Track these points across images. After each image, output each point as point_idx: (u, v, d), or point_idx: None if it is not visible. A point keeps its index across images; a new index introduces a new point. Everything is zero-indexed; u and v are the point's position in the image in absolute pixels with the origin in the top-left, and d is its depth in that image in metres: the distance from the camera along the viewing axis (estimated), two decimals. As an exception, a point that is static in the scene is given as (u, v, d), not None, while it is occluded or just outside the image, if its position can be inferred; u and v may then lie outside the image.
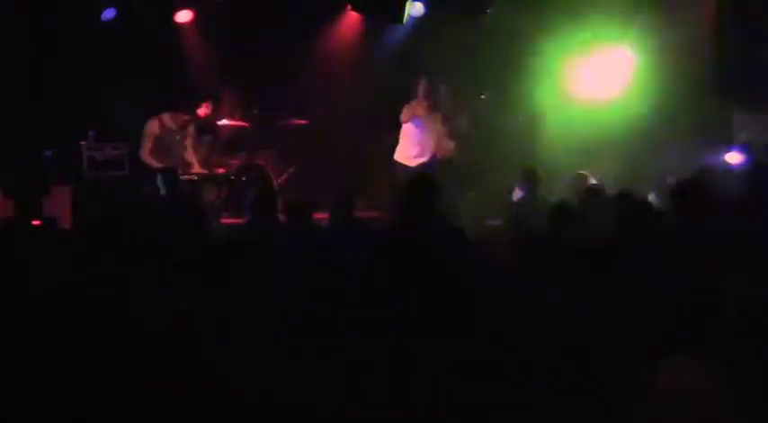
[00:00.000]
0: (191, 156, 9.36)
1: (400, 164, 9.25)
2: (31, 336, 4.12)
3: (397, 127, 9.51)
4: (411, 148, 9.18)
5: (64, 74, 9.43)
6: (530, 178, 7.45)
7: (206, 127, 9.72)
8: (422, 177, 5.78)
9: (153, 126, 9.11)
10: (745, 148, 8.76)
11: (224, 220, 9.09)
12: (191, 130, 9.38)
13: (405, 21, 9.64)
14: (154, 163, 8.98)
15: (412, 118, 9.08)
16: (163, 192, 7.90)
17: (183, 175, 9.00)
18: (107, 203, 8.23)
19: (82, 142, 9.24)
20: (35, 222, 6.87)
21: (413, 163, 9.14)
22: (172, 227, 5.98)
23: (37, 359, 3.97)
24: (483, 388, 3.79)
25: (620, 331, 3.94)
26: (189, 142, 9.36)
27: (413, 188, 5.38)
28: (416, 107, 9.10)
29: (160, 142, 9.09)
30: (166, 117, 9.16)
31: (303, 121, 10.45)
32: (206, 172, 9.45)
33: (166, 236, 5.63)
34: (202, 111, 9.42)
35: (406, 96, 9.31)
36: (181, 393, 3.80)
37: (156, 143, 9.08)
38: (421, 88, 9.16)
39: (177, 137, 9.20)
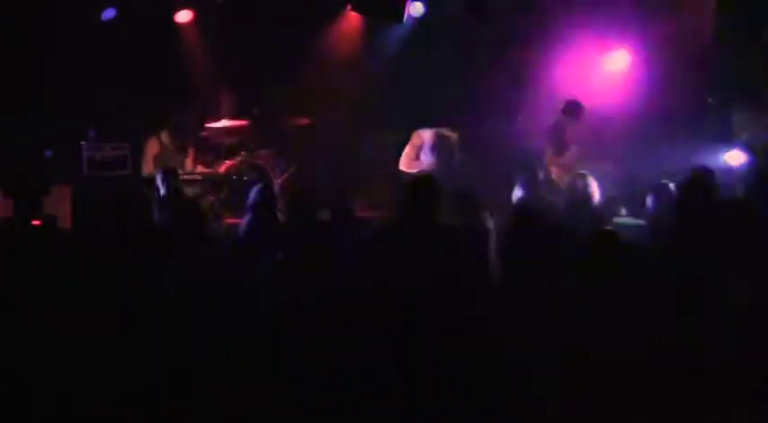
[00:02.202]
0: (191, 167, 9.41)
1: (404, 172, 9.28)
2: (31, 335, 4.12)
3: (397, 126, 9.52)
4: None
5: (64, 74, 9.44)
6: (529, 179, 7.44)
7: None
8: (422, 178, 5.80)
9: (152, 145, 9.15)
10: (744, 148, 8.76)
11: (225, 221, 9.08)
12: (191, 152, 9.42)
13: (405, 21, 9.64)
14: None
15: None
16: (162, 192, 7.89)
17: (183, 175, 9.00)
18: (107, 203, 8.22)
19: (82, 142, 9.24)
20: (35, 222, 6.87)
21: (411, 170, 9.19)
22: (171, 227, 5.99)
23: (37, 358, 3.98)
24: (482, 386, 3.80)
25: (618, 330, 3.95)
26: (190, 159, 9.40)
27: (412, 188, 5.41)
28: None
29: (159, 160, 9.11)
30: (165, 136, 9.19)
31: (303, 122, 10.45)
32: (206, 171, 9.45)
33: (166, 235, 5.64)
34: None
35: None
36: (181, 391, 3.80)
37: (155, 162, 9.11)
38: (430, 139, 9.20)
39: (177, 156, 9.25)
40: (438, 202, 5.40)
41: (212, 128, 9.81)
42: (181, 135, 9.31)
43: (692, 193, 5.88)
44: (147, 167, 9.13)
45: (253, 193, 6.52)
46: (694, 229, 5.35)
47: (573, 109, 9.10)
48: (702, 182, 6.26)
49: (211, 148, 9.91)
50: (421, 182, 5.55)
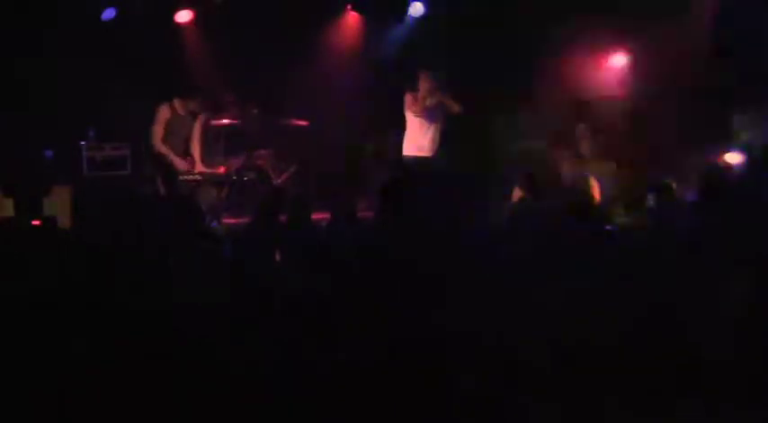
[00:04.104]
0: (195, 149, 9.35)
1: (409, 156, 9.24)
2: (31, 336, 4.12)
3: (397, 126, 9.50)
4: (419, 138, 9.18)
5: (64, 74, 9.44)
6: (529, 179, 7.45)
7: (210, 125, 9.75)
8: (397, 178, 5.85)
9: (164, 111, 9.11)
10: (744, 148, 8.76)
11: (225, 221, 9.09)
12: (200, 119, 9.37)
13: (405, 21, 9.66)
14: (164, 150, 8.96)
15: (420, 112, 9.08)
16: (162, 192, 7.89)
17: (183, 175, 9.00)
18: (107, 203, 8.23)
19: (82, 142, 9.24)
20: (35, 222, 6.88)
21: (422, 153, 9.15)
22: (171, 226, 5.98)
23: (36, 359, 3.98)
24: (476, 384, 3.81)
25: (619, 328, 3.96)
26: (197, 131, 9.34)
27: (388, 188, 5.46)
28: (421, 100, 9.10)
29: (171, 128, 9.09)
30: (177, 103, 9.16)
31: (303, 122, 10.45)
32: (206, 171, 9.44)
33: (165, 235, 5.64)
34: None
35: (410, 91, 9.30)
36: (181, 391, 3.80)
37: (167, 129, 9.07)
38: (424, 83, 9.14)
39: (187, 123, 9.21)
40: (411, 201, 5.45)
41: (213, 126, 9.81)
42: (193, 97, 9.25)
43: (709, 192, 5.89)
44: (158, 133, 9.03)
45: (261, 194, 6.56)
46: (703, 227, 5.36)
47: (583, 110, 9.13)
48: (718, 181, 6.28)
49: (212, 148, 9.91)
50: (396, 183, 5.61)
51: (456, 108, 9.04)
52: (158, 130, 9.05)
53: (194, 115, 9.27)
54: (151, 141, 9.04)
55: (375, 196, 5.64)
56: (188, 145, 9.21)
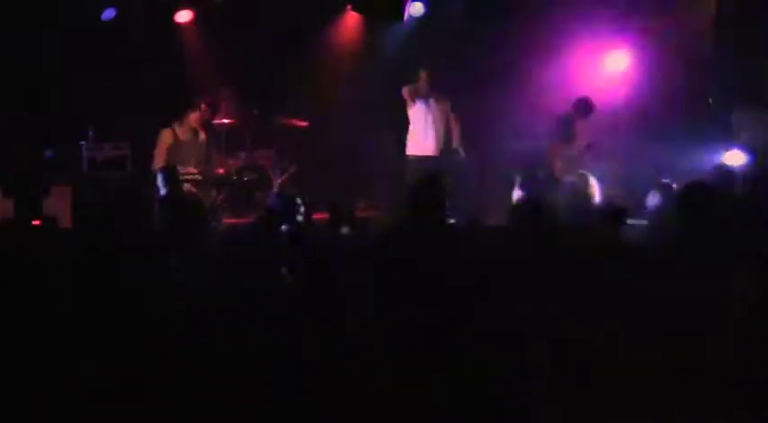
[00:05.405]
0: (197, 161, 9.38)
1: (412, 157, 9.23)
2: (31, 336, 4.12)
3: (397, 126, 9.51)
4: (423, 139, 9.18)
5: (64, 74, 9.45)
6: (529, 179, 7.45)
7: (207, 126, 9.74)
8: (429, 177, 5.81)
9: (166, 137, 9.10)
10: (745, 148, 8.76)
11: (226, 221, 9.10)
12: (201, 136, 9.38)
13: (405, 21, 9.65)
14: None
15: (418, 101, 9.07)
16: (163, 191, 7.89)
17: (183, 174, 9.00)
18: (107, 203, 8.24)
19: (82, 142, 9.24)
20: (35, 222, 6.88)
21: (426, 153, 9.15)
22: (171, 226, 5.98)
23: (36, 359, 3.98)
24: (483, 385, 3.80)
25: (620, 331, 3.96)
26: (201, 145, 9.37)
27: (419, 187, 5.42)
28: (420, 91, 9.11)
29: (173, 153, 9.09)
30: (178, 127, 9.17)
31: (303, 123, 10.44)
32: (206, 172, 9.45)
33: (166, 235, 5.63)
34: (202, 114, 9.38)
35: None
36: (180, 392, 3.80)
37: (168, 155, 9.07)
38: (424, 78, 9.15)
39: (190, 144, 9.22)
40: (443, 201, 5.42)
41: (215, 126, 9.82)
42: (193, 109, 9.25)
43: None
44: (159, 160, 9.03)
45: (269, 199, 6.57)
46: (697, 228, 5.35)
47: (584, 106, 9.15)
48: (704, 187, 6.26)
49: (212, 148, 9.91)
50: (427, 182, 5.56)
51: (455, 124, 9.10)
52: (159, 159, 9.04)
53: (196, 132, 9.28)
54: (152, 166, 9.04)
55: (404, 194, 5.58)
56: (194, 161, 9.23)
